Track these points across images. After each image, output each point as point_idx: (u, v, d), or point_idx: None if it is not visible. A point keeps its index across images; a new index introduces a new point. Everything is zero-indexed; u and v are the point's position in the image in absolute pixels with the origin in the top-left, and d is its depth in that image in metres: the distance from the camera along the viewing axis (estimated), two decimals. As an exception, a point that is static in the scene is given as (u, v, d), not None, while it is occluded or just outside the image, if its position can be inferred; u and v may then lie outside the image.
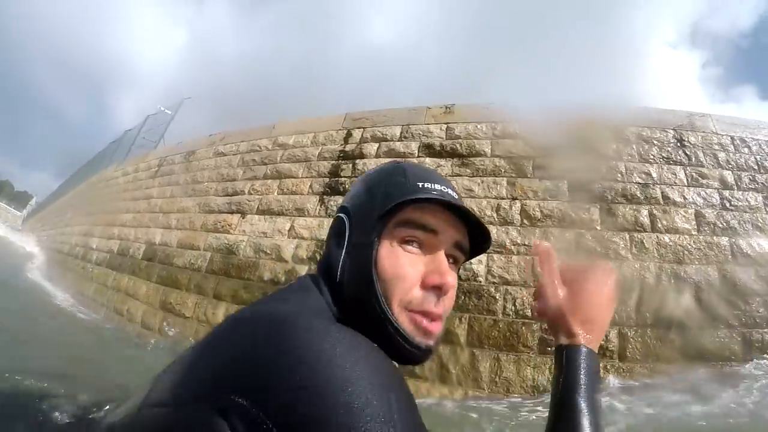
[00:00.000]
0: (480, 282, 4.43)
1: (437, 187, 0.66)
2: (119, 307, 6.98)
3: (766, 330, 3.90)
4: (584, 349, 0.67)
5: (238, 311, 0.57)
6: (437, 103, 6.19)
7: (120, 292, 7.25)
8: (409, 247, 0.64)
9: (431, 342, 0.64)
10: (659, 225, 4.57)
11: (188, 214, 7.07)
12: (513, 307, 4.24)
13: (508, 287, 4.36)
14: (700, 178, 4.92)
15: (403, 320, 0.62)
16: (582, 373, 0.65)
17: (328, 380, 0.43)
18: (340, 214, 0.70)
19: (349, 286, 0.64)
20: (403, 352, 0.62)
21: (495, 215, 4.82)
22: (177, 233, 6.94)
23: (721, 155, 5.12)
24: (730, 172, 4.97)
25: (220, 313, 5.48)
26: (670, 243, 4.45)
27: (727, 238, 4.49)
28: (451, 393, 4.02)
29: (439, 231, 0.65)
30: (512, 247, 4.56)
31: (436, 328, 0.64)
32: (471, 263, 4.52)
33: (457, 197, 0.68)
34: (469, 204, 4.88)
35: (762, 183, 4.94)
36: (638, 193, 4.80)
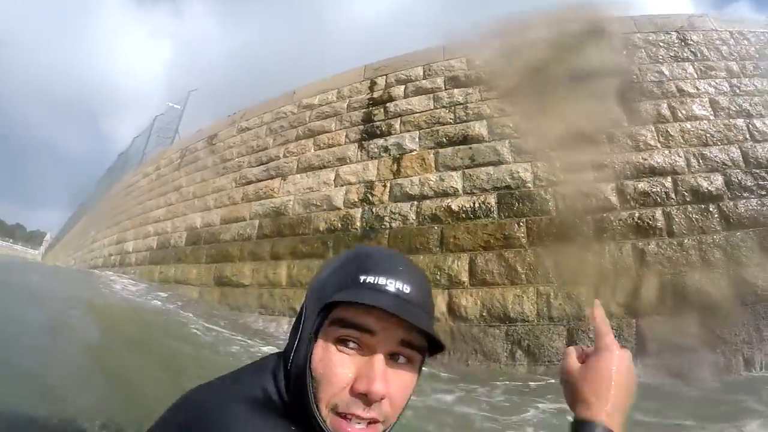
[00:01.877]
0: (529, 188, 4.57)
1: (381, 281, 0.62)
2: (173, 296, 7.13)
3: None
4: (601, 428, 0.60)
5: (187, 392, 0.61)
6: (450, 42, 6.28)
7: (169, 282, 7.39)
8: (344, 348, 0.61)
9: None
10: (679, 114, 4.80)
11: (225, 191, 7.18)
12: (564, 204, 4.39)
13: (556, 187, 4.50)
14: (708, 71, 5.13)
15: (330, 421, 0.60)
16: None
17: None
18: (304, 300, 0.69)
19: (293, 375, 0.64)
20: None
21: (530, 127, 4.94)
22: (218, 211, 7.06)
23: (724, 48, 5.31)
24: (735, 62, 5.18)
25: (282, 272, 5.62)
26: (692, 129, 4.67)
27: (742, 120, 4.70)
28: (523, 293, 4.18)
29: (376, 331, 0.60)
30: (551, 152, 4.69)
31: None
32: (518, 171, 4.66)
33: (411, 292, 0.63)
34: (503, 123, 5.01)
35: (765, 69, 5.17)
36: (655, 89, 5.02)
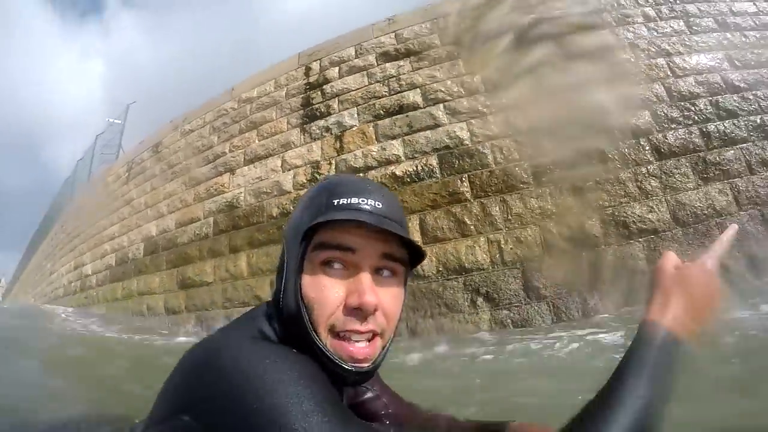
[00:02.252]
0: (467, 145, 4.78)
1: (354, 200, 0.64)
2: (137, 309, 7.02)
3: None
4: (664, 331, 0.59)
5: (197, 342, 0.62)
6: (379, 19, 6.43)
7: (133, 297, 7.27)
8: (330, 269, 0.63)
9: (363, 365, 0.62)
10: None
11: (176, 195, 7.11)
12: (502, 155, 4.62)
13: (492, 141, 4.73)
14: (626, 18, 5.45)
15: (331, 344, 0.61)
16: (651, 353, 0.57)
17: (244, 390, 0.50)
18: (283, 244, 0.71)
19: (286, 313, 0.65)
20: (338, 372, 0.61)
21: (462, 89, 5.16)
22: (172, 216, 6.99)
23: None
24: (650, 8, 5.54)
25: (242, 263, 5.66)
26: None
27: (662, 59, 5.05)
28: (474, 243, 4.39)
29: (357, 248, 0.62)
30: (484, 109, 4.92)
31: (365, 351, 0.62)
32: (455, 131, 4.86)
33: (383, 207, 0.65)
34: (435, 89, 5.20)
35: (679, 11, 5.50)
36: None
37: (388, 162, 4.95)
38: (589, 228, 4.15)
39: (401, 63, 5.72)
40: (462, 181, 4.63)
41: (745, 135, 4.39)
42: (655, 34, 5.28)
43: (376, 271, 0.64)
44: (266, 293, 5.19)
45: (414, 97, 5.26)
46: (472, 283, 4.26)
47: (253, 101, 6.73)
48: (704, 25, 5.31)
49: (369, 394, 0.92)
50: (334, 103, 5.76)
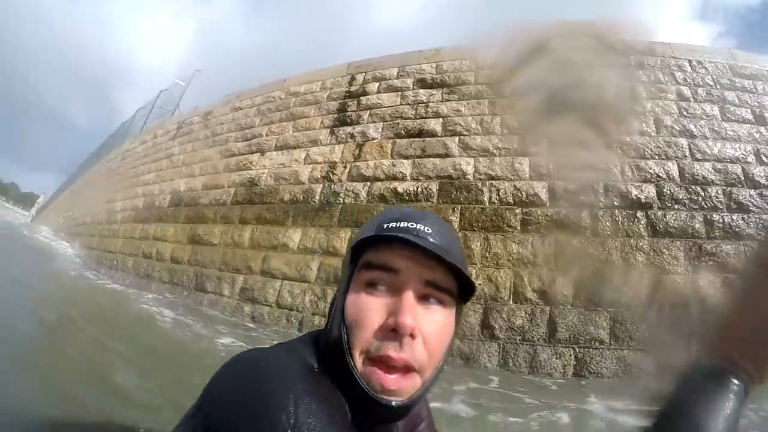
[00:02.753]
0: (468, 179, 5.16)
1: (404, 224, 0.63)
2: (149, 251, 7.70)
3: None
4: (730, 375, 0.53)
5: (240, 354, 0.60)
6: (428, 48, 6.97)
7: (148, 239, 7.96)
8: (373, 290, 0.61)
9: (394, 398, 0.57)
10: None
11: (210, 161, 7.81)
12: (497, 197, 4.96)
13: (493, 181, 5.08)
14: (659, 92, 5.71)
15: (364, 372, 0.58)
16: (701, 401, 0.52)
17: (242, 404, 0.49)
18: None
19: (330, 336, 0.63)
20: (367, 405, 0.57)
21: (480, 128, 5.56)
22: (201, 179, 7.68)
23: (678, 74, 5.90)
24: (688, 88, 5.74)
25: (246, 234, 6.20)
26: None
27: (684, 139, 5.25)
28: None
29: (401, 269, 0.60)
30: (495, 150, 5.29)
31: (396, 383, 0.57)
32: (460, 164, 5.25)
33: (432, 233, 0.63)
34: (455, 122, 5.62)
35: (717, 96, 5.69)
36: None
37: (395, 178, 5.40)
38: (560, 286, 4.27)
39: (433, 92, 6.20)
40: (453, 211, 4.99)
41: (752, 232, 4.37)
42: (685, 113, 5.41)
43: (423, 298, 0.61)
44: (258, 266, 5.69)
45: (434, 125, 5.71)
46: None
47: (298, 96, 7.38)
48: (739, 114, 5.39)
49: None
50: (365, 114, 6.29)
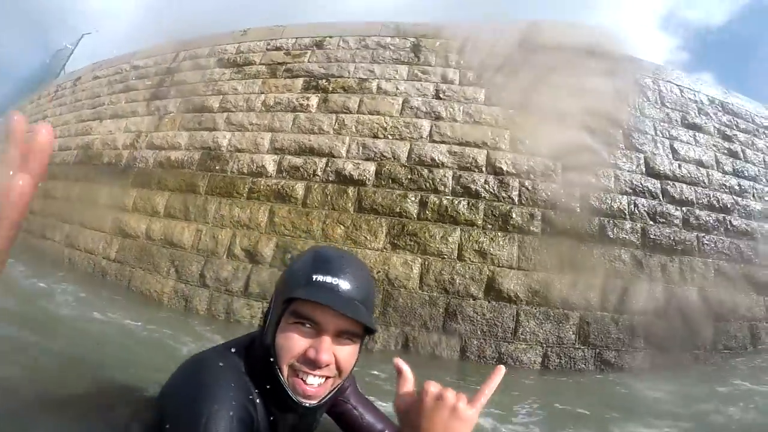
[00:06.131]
0: (222, 151, 6.31)
1: (329, 281, 0.86)
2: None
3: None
4: None
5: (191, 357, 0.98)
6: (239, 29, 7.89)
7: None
8: (301, 327, 0.86)
9: (310, 401, 0.87)
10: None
11: (68, 125, 8.85)
12: (237, 167, 6.14)
13: (238, 153, 6.24)
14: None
15: (289, 381, 0.86)
16: None
17: (177, 403, 0.82)
18: (273, 291, 0.97)
19: (260, 350, 0.91)
20: (287, 402, 0.86)
21: (245, 105, 6.63)
22: (59, 140, 8.72)
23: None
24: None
25: (76, 190, 7.35)
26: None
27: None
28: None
29: (321, 323, 0.84)
30: (249, 126, 6.38)
31: (314, 390, 0.86)
32: (218, 138, 6.38)
33: (350, 289, 0.87)
34: (228, 99, 6.67)
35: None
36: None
37: (173, 147, 6.55)
38: (263, 248, 5.04)
39: (225, 71, 7.22)
40: (203, 178, 6.18)
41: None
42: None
43: (337, 336, 0.87)
44: (79, 217, 6.88)
45: (213, 101, 6.78)
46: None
47: (138, 69, 8.33)
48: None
49: (348, 406, 1.19)
50: (173, 90, 7.33)
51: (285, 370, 0.86)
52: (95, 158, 7.45)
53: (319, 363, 0.83)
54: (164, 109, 7.11)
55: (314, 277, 0.86)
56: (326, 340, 0.85)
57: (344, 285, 0.86)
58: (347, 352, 0.88)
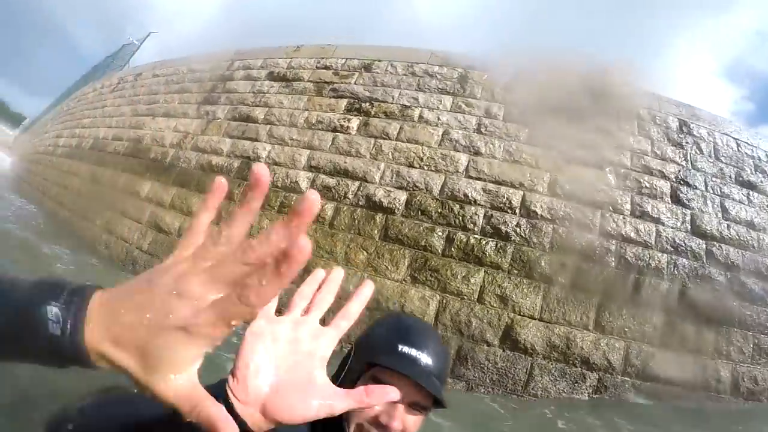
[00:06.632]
0: (261, 162, 6.52)
1: (414, 354, 0.90)
2: (65, 182, 9.39)
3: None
4: None
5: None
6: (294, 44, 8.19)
7: (69, 173, 9.64)
8: None
9: None
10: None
11: (124, 117, 9.39)
12: (271, 180, 6.32)
13: (275, 167, 6.43)
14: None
15: None
16: None
17: None
18: (352, 348, 0.99)
19: None
20: None
21: (288, 120, 6.86)
22: (114, 131, 9.29)
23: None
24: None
25: (121, 180, 7.75)
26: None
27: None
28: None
29: (402, 393, 0.80)
30: (289, 141, 6.60)
31: None
32: (258, 149, 6.60)
33: (430, 364, 0.91)
34: (273, 113, 6.92)
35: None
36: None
37: (215, 152, 6.81)
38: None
39: (274, 84, 7.50)
40: (239, 186, 6.39)
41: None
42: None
43: (410, 404, 0.89)
44: (121, 206, 7.22)
45: (259, 113, 7.03)
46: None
47: (195, 72, 8.76)
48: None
49: None
50: (223, 97, 7.67)
51: (352, 427, 0.88)
52: (143, 152, 7.83)
53: (391, 430, 0.86)
54: (212, 114, 7.42)
55: (400, 347, 0.91)
56: (400, 409, 0.88)
57: (426, 359, 0.91)
58: (415, 422, 0.91)
